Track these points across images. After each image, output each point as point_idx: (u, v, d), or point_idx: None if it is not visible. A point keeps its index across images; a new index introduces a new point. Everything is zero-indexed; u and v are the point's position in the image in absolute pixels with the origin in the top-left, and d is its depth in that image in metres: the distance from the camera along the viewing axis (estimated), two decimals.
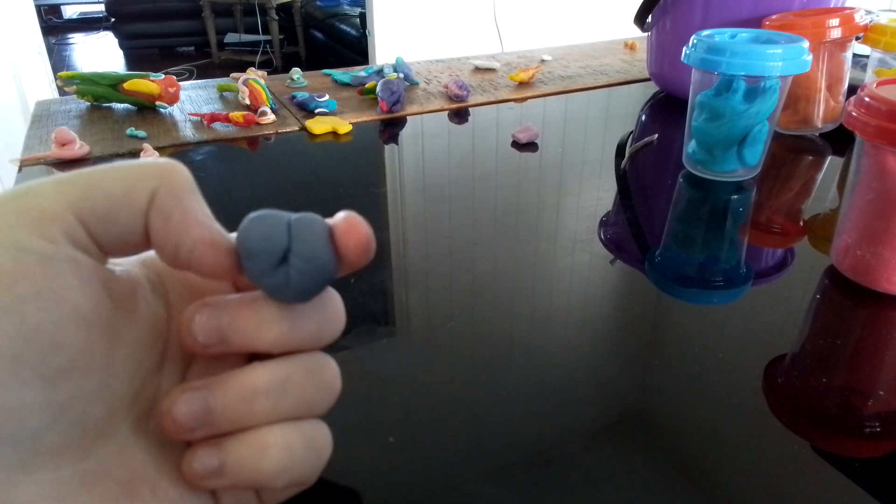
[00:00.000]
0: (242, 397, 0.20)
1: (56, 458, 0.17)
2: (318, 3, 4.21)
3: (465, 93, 0.84)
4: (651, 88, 0.92)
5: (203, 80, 0.93)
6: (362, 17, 3.33)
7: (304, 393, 0.22)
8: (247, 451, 0.20)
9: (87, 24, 5.48)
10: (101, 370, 0.18)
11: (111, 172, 0.20)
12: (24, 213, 0.18)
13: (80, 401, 0.18)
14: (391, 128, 0.77)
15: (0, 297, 0.16)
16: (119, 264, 0.21)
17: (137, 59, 4.61)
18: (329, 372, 0.23)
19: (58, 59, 4.57)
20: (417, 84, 0.91)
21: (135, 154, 0.67)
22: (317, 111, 0.78)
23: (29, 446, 0.17)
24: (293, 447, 0.21)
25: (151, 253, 0.22)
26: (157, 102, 0.77)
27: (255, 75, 0.83)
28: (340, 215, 0.22)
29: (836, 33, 0.66)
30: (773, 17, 0.72)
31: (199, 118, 0.76)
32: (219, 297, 0.21)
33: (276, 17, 4.20)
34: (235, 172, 0.65)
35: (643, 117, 0.83)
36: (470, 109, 0.82)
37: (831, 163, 0.68)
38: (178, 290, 0.23)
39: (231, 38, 4.48)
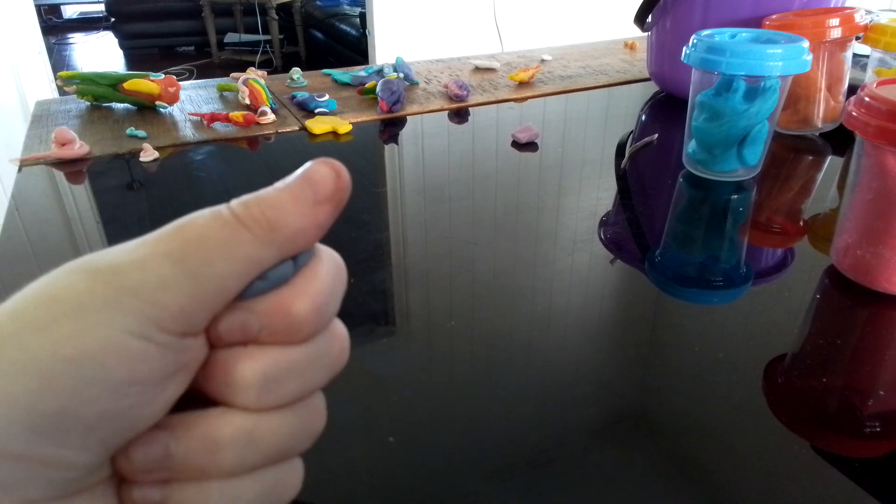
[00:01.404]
0: (206, 447, 0.19)
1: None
2: (318, 3, 4.21)
3: (465, 93, 0.84)
4: (651, 88, 0.92)
5: (203, 80, 0.93)
6: (362, 17, 3.33)
7: (277, 441, 0.20)
8: (191, 497, 0.19)
9: (87, 23, 5.48)
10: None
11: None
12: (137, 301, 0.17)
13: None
14: (391, 128, 0.77)
15: (109, 376, 0.16)
16: None
17: (137, 58, 4.61)
18: (314, 416, 0.21)
19: (58, 58, 4.57)
20: (417, 84, 0.91)
21: (135, 154, 0.67)
22: (317, 111, 0.78)
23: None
24: (241, 500, 0.19)
25: None
26: (157, 102, 0.77)
27: (255, 75, 0.83)
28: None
29: (836, 33, 0.66)
30: (773, 17, 0.72)
31: (199, 118, 0.76)
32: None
33: (276, 17, 4.20)
34: (235, 172, 0.65)
35: (643, 117, 0.83)
36: (470, 109, 0.82)
37: (831, 163, 0.68)
38: None
39: (231, 37, 4.48)
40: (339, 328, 0.21)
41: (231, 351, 0.19)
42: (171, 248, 0.17)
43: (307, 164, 0.19)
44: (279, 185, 0.19)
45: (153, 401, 0.17)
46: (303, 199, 0.18)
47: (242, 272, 0.18)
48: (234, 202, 0.18)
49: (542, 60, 1.06)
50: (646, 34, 0.89)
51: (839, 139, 0.71)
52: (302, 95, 0.81)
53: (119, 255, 0.17)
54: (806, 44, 0.57)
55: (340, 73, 0.92)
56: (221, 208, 0.18)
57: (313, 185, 0.19)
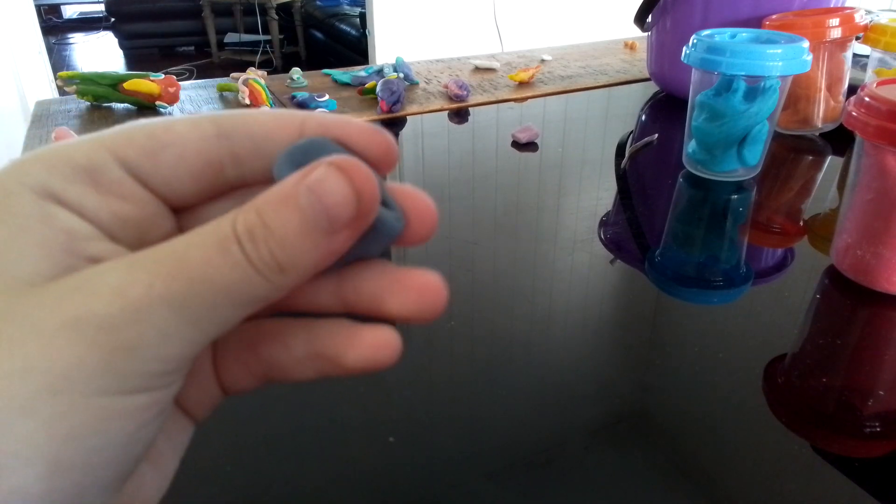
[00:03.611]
0: None
1: None
2: (318, 2, 4.21)
3: (465, 93, 0.84)
4: (651, 88, 0.92)
5: (203, 80, 0.93)
6: (362, 17, 3.33)
7: None
8: None
9: (87, 23, 5.48)
10: None
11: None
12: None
13: None
14: (391, 128, 0.77)
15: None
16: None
17: (137, 58, 4.61)
18: None
19: (58, 58, 4.57)
20: (417, 84, 0.91)
21: None
22: (317, 111, 0.78)
23: None
24: None
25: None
26: (157, 102, 0.77)
27: (255, 75, 0.83)
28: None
29: (836, 33, 0.66)
30: (773, 17, 0.72)
31: None
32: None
33: (276, 17, 4.20)
34: None
35: (643, 117, 0.83)
36: (470, 109, 0.82)
37: (831, 163, 0.68)
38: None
39: (231, 37, 4.47)
40: None
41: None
42: (171, 293, 0.14)
43: (321, 172, 0.15)
44: (290, 200, 0.15)
45: (152, 431, 0.16)
46: (314, 231, 0.15)
47: (247, 314, 0.16)
48: (242, 228, 0.15)
49: (542, 60, 1.06)
50: (646, 34, 0.89)
51: (839, 139, 0.71)
52: (302, 95, 0.81)
53: (105, 299, 0.14)
54: (806, 44, 0.57)
55: (340, 73, 0.92)
56: (228, 238, 0.15)
57: (328, 212, 0.15)
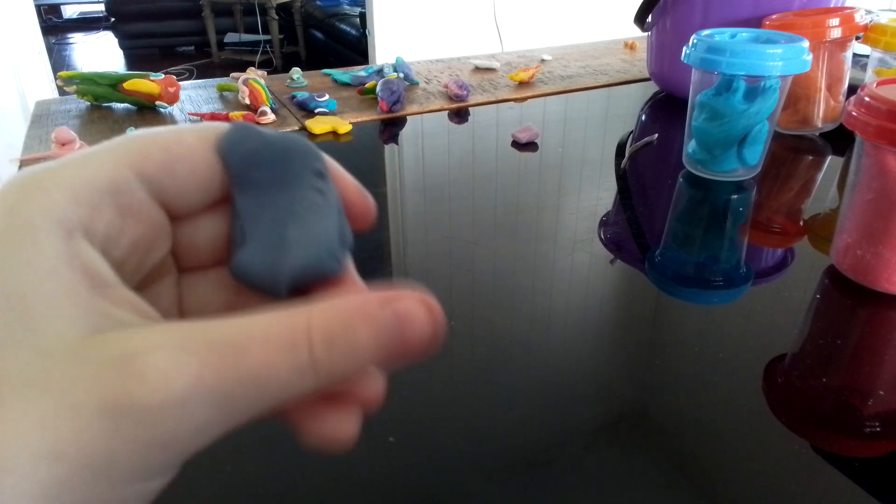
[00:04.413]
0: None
1: None
2: (318, 2, 4.21)
3: (465, 92, 0.84)
4: (651, 88, 0.92)
5: (203, 80, 0.93)
6: (362, 16, 3.33)
7: None
8: None
9: (87, 23, 5.48)
10: None
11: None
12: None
13: None
14: (391, 127, 0.77)
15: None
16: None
17: (137, 58, 4.60)
18: None
19: (58, 58, 4.57)
20: (417, 84, 0.91)
21: None
22: (317, 111, 0.78)
23: None
24: None
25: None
26: (157, 102, 0.77)
27: (255, 75, 0.83)
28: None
29: (836, 33, 0.66)
30: (773, 16, 0.72)
31: (198, 118, 0.76)
32: None
33: (276, 17, 4.20)
34: None
35: (643, 117, 0.83)
36: (470, 109, 0.82)
37: (831, 163, 0.68)
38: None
39: (231, 37, 4.47)
40: None
41: None
42: (221, 387, 0.13)
43: (410, 305, 0.15)
44: (369, 315, 0.15)
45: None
46: (383, 349, 0.15)
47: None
48: (320, 336, 0.14)
49: (542, 60, 1.06)
50: (646, 34, 0.89)
51: (839, 139, 0.71)
52: (302, 95, 0.81)
53: (149, 387, 0.13)
54: (806, 44, 0.57)
55: (340, 73, 0.92)
56: (301, 342, 0.14)
57: (405, 344, 0.15)
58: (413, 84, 0.90)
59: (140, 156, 0.16)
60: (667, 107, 0.85)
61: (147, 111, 0.79)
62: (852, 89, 0.60)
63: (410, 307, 0.15)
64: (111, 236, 0.15)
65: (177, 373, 0.13)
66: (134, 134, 0.16)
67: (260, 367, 0.14)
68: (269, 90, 0.82)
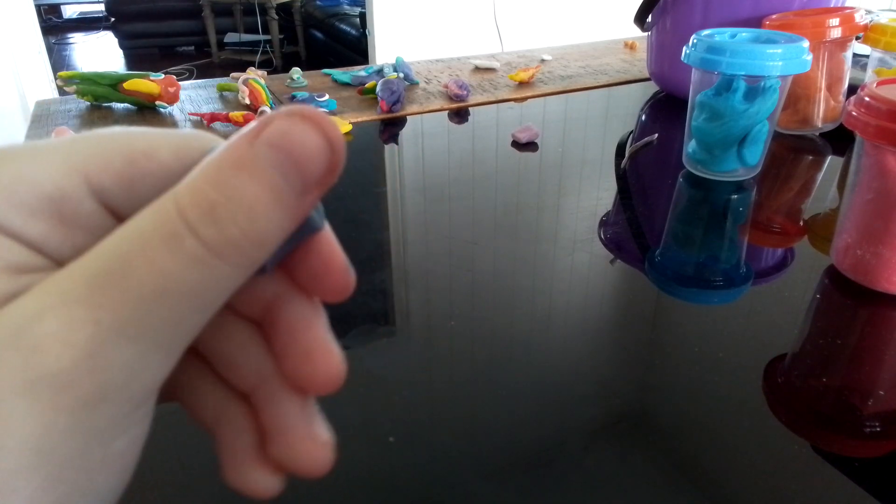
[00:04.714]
0: None
1: None
2: (318, 2, 4.21)
3: (465, 92, 0.84)
4: (651, 88, 0.92)
5: (203, 80, 0.93)
6: (362, 16, 3.33)
7: None
8: None
9: (87, 23, 5.48)
10: None
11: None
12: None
13: None
14: (391, 127, 0.77)
15: None
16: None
17: (137, 58, 4.60)
18: None
19: (58, 58, 4.57)
20: (417, 84, 0.91)
21: None
22: None
23: None
24: None
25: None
26: (157, 102, 0.77)
27: (255, 75, 0.83)
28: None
29: (836, 33, 0.66)
30: (773, 16, 0.72)
31: (199, 118, 0.76)
32: None
33: (276, 17, 4.20)
34: None
35: (643, 117, 0.83)
36: (470, 109, 0.82)
37: (831, 163, 0.68)
38: None
39: (231, 37, 4.47)
40: None
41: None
42: (123, 323, 0.12)
43: (282, 124, 0.13)
44: (248, 164, 0.13)
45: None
46: (287, 194, 0.13)
47: (218, 309, 0.14)
48: (195, 213, 0.12)
49: (542, 60, 1.06)
50: (646, 34, 0.89)
51: (839, 139, 0.71)
52: (302, 95, 0.81)
53: (52, 353, 0.12)
54: (806, 44, 0.57)
55: (340, 73, 0.92)
56: (178, 231, 0.12)
57: (300, 168, 0.13)
58: (413, 84, 0.90)
59: (97, 163, 0.14)
60: (667, 107, 0.85)
61: (147, 111, 0.79)
62: (852, 89, 0.60)
63: (282, 127, 0.13)
64: (49, 245, 0.14)
65: (73, 330, 0.12)
66: (100, 134, 0.14)
67: (150, 282, 0.12)
68: (269, 90, 0.82)
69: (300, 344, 0.16)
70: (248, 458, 0.17)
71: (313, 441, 0.17)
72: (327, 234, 0.16)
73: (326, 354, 0.16)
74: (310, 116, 0.13)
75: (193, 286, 0.12)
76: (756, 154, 0.60)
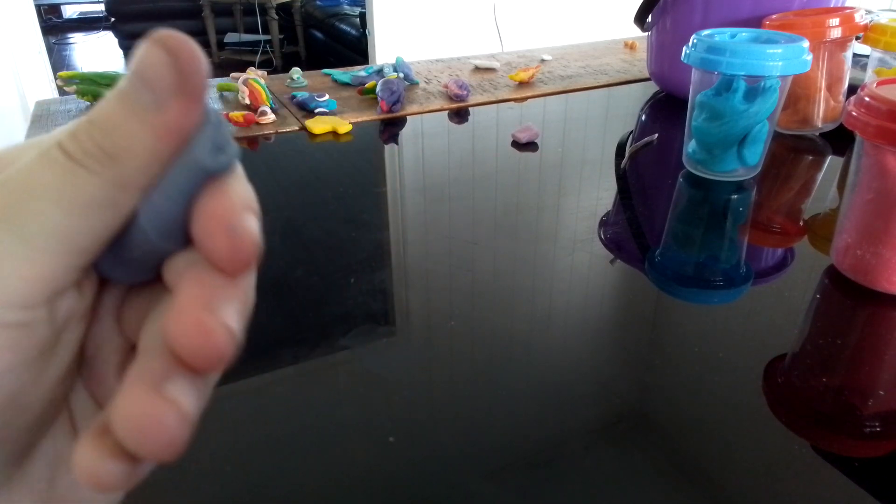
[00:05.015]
0: None
1: None
2: (318, 2, 4.21)
3: (465, 92, 0.84)
4: (651, 88, 0.92)
5: None
6: (362, 16, 3.33)
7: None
8: None
9: (87, 23, 5.48)
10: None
11: None
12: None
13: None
14: (391, 127, 0.77)
15: None
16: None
17: None
18: None
19: (58, 58, 4.57)
20: (417, 84, 0.91)
21: None
22: (317, 111, 0.78)
23: None
24: None
25: None
26: None
27: (255, 75, 0.83)
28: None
29: (836, 33, 0.66)
30: (773, 16, 0.72)
31: None
32: None
33: (276, 17, 4.20)
34: None
35: (643, 117, 0.83)
36: (470, 109, 0.82)
37: (831, 163, 0.68)
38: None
39: (231, 37, 4.47)
40: None
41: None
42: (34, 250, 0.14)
43: (136, 53, 0.14)
44: (112, 93, 0.14)
45: (37, 381, 0.15)
46: (141, 108, 0.14)
47: (93, 223, 0.14)
48: (64, 134, 0.14)
49: (542, 60, 1.06)
50: (646, 34, 0.89)
51: (839, 139, 0.71)
52: (302, 95, 0.81)
53: None
54: (806, 44, 0.57)
55: (340, 73, 0.92)
56: (51, 146, 0.14)
57: (148, 84, 0.14)
58: (413, 84, 0.90)
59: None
60: (667, 107, 0.85)
61: None
62: (852, 89, 0.60)
63: (136, 53, 0.14)
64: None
65: None
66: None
67: (18, 182, 0.14)
68: (269, 90, 0.82)
69: (182, 321, 0.14)
70: (97, 445, 0.15)
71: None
72: (226, 184, 0.15)
73: (202, 336, 0.14)
74: (157, 37, 0.14)
75: (55, 186, 0.14)
76: (756, 154, 0.60)
